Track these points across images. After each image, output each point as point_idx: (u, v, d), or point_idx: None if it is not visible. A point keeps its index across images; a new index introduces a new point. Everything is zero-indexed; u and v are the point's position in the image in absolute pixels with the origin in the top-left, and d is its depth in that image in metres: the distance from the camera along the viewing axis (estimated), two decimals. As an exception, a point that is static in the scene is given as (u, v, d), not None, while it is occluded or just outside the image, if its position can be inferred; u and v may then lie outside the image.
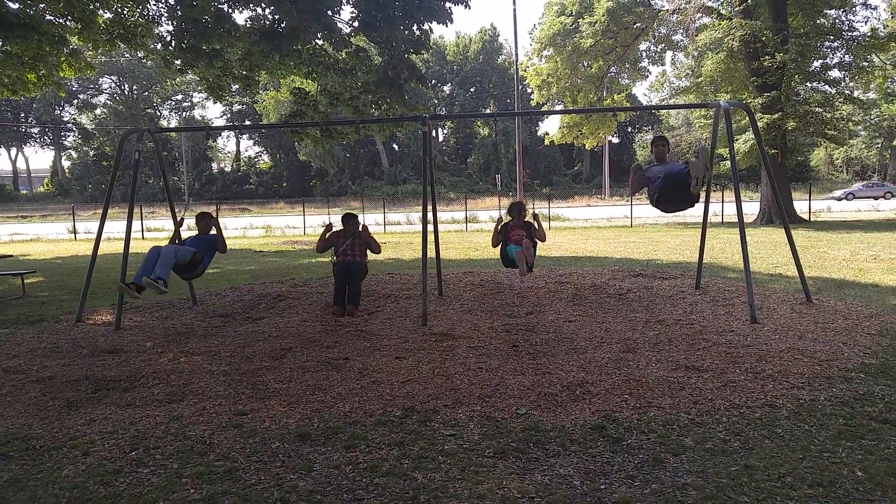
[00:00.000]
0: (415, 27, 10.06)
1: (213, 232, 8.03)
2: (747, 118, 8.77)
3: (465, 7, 10.13)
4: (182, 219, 8.27)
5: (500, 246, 8.14)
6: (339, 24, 10.28)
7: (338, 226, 8.46)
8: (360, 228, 8.17)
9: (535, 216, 7.92)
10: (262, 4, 10.32)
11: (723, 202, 25.13)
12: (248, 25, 11.24)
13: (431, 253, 8.63)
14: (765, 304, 8.02)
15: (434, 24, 9.95)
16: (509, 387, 5.07)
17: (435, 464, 3.79)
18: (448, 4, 9.98)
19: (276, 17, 10.19)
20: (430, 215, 8.24)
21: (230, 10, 10.68)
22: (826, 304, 7.94)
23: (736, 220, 7.61)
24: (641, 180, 7.43)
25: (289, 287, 10.43)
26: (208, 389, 5.21)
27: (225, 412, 4.70)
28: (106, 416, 4.70)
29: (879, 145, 59.08)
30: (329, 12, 9.73)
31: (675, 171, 6.97)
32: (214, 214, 8.06)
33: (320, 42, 11.17)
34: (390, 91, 10.78)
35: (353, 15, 10.47)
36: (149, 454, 4.01)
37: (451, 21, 9.96)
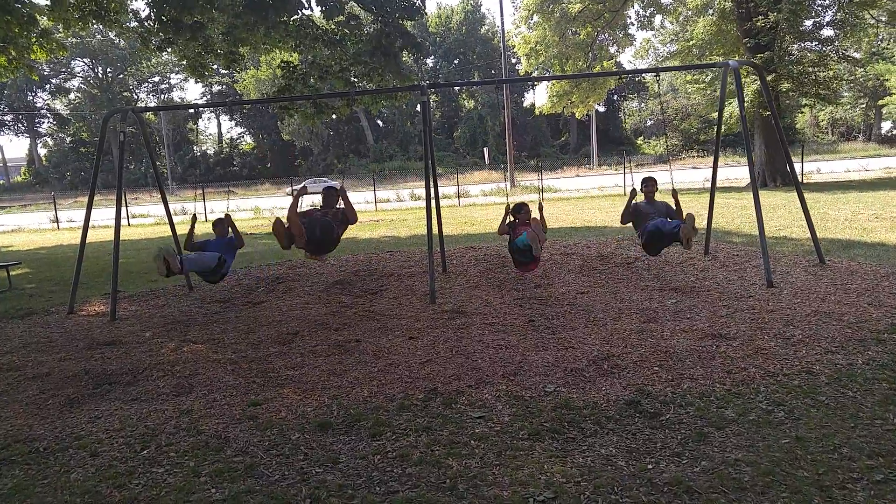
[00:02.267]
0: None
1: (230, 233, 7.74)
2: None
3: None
4: (195, 216, 8.00)
5: (508, 238, 7.72)
6: None
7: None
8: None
9: (540, 207, 7.64)
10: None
11: (715, 167, 24.94)
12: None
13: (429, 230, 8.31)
14: (777, 268, 7.84)
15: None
16: (532, 364, 4.86)
17: (468, 449, 3.58)
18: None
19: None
20: (423, 191, 7.92)
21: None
22: (839, 265, 7.77)
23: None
24: (633, 212, 7.56)
25: (286, 269, 10.14)
26: (216, 380, 4.96)
27: (237, 403, 4.46)
28: (111, 412, 4.45)
29: (864, 105, 58.91)
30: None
31: (665, 231, 6.90)
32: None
33: (308, 12, 10.74)
34: (384, 60, 10.39)
35: None
36: (162, 452, 3.77)
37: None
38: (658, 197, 7.78)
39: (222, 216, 7.85)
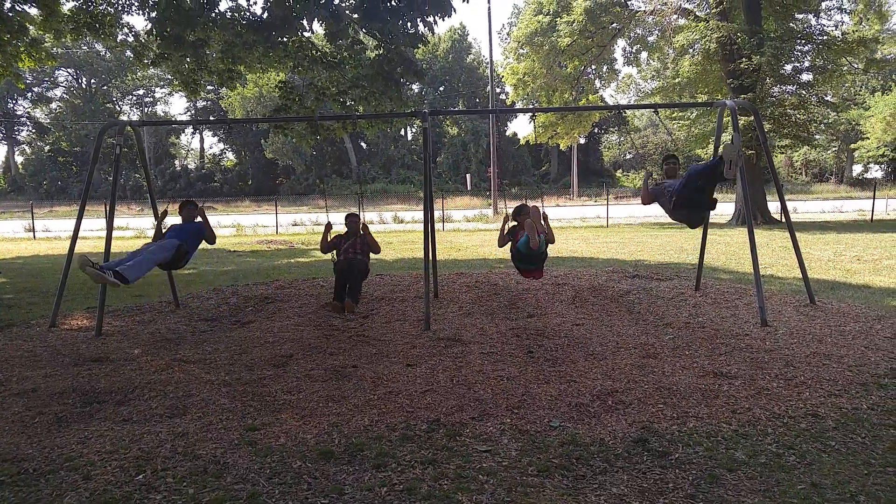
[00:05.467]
0: (418, 20, 9.65)
1: (198, 220, 7.57)
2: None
3: (464, 0, 9.82)
4: (165, 211, 7.78)
5: (508, 245, 7.16)
6: (347, 11, 9.78)
7: (338, 226, 8.12)
8: (360, 227, 7.71)
9: (545, 216, 6.82)
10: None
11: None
12: (229, 15, 10.72)
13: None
14: (768, 306, 7.84)
15: (434, 17, 9.57)
16: (536, 397, 4.80)
17: (477, 484, 3.50)
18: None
19: (269, 3, 9.67)
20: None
21: (218, -1, 10.14)
22: (830, 307, 7.84)
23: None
24: (655, 192, 7.23)
25: (274, 289, 9.99)
26: (211, 402, 4.82)
27: (234, 427, 4.32)
28: (101, 432, 4.28)
29: (836, 148, 60.43)
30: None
31: (698, 168, 6.68)
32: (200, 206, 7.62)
33: (310, 33, 10.69)
34: (386, 85, 10.38)
35: (354, 4, 10.03)
36: (158, 477, 3.62)
37: (456, 11, 9.58)
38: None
39: (190, 200, 7.64)
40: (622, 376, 5.23)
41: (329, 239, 7.77)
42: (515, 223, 7.12)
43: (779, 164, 66.18)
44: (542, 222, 6.59)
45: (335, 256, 7.72)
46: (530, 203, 7.00)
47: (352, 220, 7.83)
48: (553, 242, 6.77)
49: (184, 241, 7.05)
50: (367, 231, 7.70)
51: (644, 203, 7.43)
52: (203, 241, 7.50)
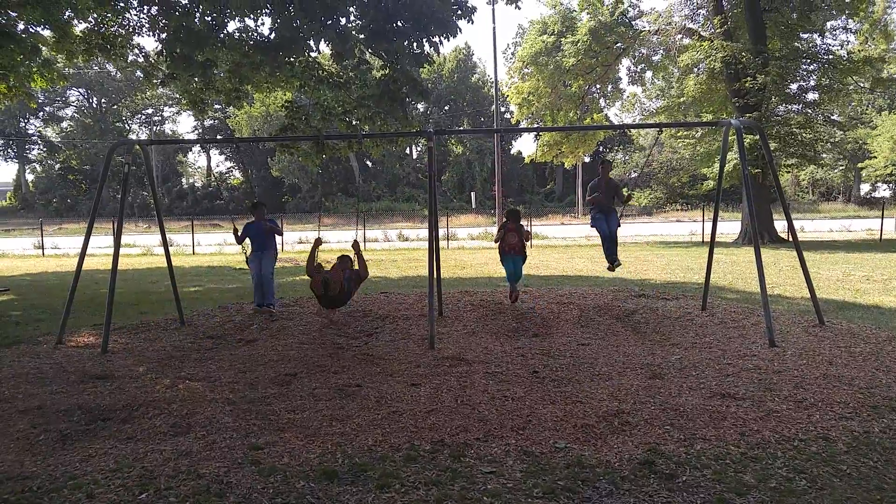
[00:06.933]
0: (424, 41, 9.75)
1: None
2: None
3: (469, 22, 9.93)
4: (235, 228, 9.64)
5: (499, 244, 9.16)
6: (353, 32, 9.89)
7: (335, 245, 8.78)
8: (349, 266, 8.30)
9: (524, 226, 9.19)
10: (268, 8, 9.81)
11: (703, 221, 25.26)
12: (237, 36, 10.84)
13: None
14: (776, 327, 7.75)
15: (439, 38, 9.68)
16: (541, 418, 4.76)
17: (481, 506, 3.46)
18: (454, 18, 9.71)
19: (277, 24, 9.77)
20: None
21: (226, 20, 10.23)
22: (839, 327, 7.77)
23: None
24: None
25: (278, 307, 9.98)
26: (215, 420, 4.80)
27: (238, 446, 4.30)
28: (105, 450, 4.27)
29: (844, 167, 60.32)
30: (342, 20, 9.39)
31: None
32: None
33: (317, 53, 10.81)
34: (392, 105, 10.46)
35: (361, 24, 10.14)
36: (161, 496, 3.60)
37: (461, 31, 9.69)
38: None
39: (260, 202, 9.86)
40: (628, 397, 5.19)
41: (316, 262, 8.31)
42: (507, 220, 9.17)
43: (785, 182, 66.03)
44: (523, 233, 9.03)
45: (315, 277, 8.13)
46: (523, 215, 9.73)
47: (343, 262, 8.30)
48: (529, 240, 9.26)
49: (267, 249, 9.61)
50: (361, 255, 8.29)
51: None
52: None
